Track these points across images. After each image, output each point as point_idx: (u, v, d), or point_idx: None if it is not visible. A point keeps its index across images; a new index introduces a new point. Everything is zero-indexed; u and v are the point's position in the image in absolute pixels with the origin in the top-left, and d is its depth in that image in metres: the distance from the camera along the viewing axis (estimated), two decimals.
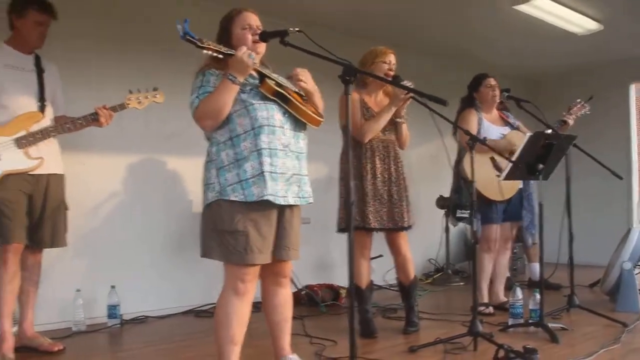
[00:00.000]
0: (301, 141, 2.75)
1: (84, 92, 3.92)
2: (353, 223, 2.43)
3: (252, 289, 2.65)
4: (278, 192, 2.59)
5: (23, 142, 3.23)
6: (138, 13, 4.53)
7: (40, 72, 3.40)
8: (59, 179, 3.47)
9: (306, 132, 2.80)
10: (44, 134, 3.29)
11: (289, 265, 2.85)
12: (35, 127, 3.29)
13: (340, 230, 3.84)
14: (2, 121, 3.22)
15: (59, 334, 3.84)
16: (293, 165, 2.68)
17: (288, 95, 2.64)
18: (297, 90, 2.77)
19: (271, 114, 2.61)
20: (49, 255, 3.59)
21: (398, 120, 3.79)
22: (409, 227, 3.82)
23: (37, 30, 3.33)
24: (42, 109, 3.36)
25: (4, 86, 3.24)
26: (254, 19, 2.74)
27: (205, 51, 2.49)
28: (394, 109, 3.68)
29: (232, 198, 2.55)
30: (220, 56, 2.55)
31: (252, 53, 2.57)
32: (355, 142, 3.71)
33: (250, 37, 2.69)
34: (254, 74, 2.67)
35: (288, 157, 2.65)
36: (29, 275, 3.44)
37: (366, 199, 3.68)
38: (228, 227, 2.56)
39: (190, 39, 2.41)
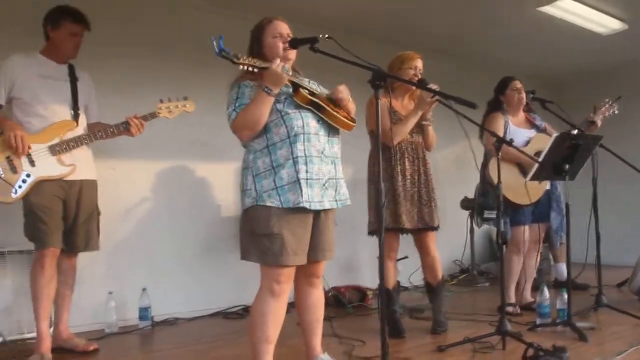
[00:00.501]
0: (335, 146, 2.82)
1: (114, 100, 4.00)
2: (384, 225, 2.48)
3: (287, 290, 2.72)
4: (314, 197, 2.65)
5: (57, 150, 3.32)
6: (166, 21, 4.62)
7: (74, 81, 3.49)
8: (91, 184, 3.56)
9: (339, 137, 2.86)
10: (77, 142, 3.37)
11: (322, 266, 2.91)
12: (68, 135, 3.37)
13: (371, 232, 3.87)
14: (36, 129, 3.30)
15: (92, 335, 3.92)
16: (329, 170, 2.74)
17: (321, 103, 2.70)
18: (327, 94, 2.83)
19: (306, 122, 2.68)
20: (82, 259, 3.67)
21: (424, 123, 3.83)
22: (438, 227, 3.85)
23: (71, 41, 3.42)
24: (75, 117, 3.45)
25: (39, 96, 3.33)
26: (284, 27, 2.81)
27: (241, 67, 2.56)
28: (420, 113, 3.72)
29: (268, 204, 2.62)
30: (256, 70, 2.61)
31: (285, 65, 2.64)
32: (383, 145, 3.74)
33: (281, 45, 2.75)
34: (288, 83, 2.73)
35: (324, 162, 2.71)
36: (65, 279, 3.52)
37: (398, 200, 3.72)
38: (264, 230, 2.63)
39: (225, 55, 2.48)
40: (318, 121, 2.72)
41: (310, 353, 2.98)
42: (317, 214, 2.75)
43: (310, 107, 2.69)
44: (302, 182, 2.62)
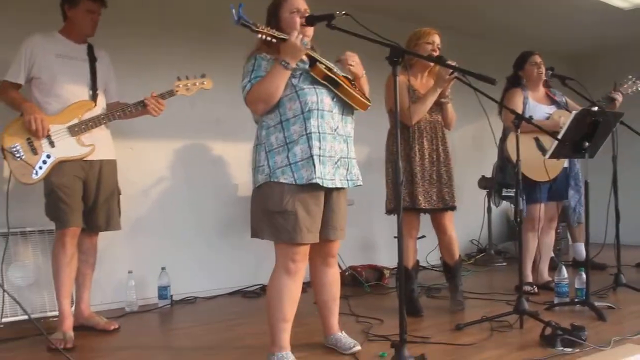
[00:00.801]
0: (349, 125, 2.80)
1: (131, 79, 4.02)
2: (402, 204, 2.48)
3: (302, 268, 2.73)
4: (326, 175, 2.65)
5: (76, 130, 3.34)
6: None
7: (92, 60, 3.49)
8: (111, 164, 3.58)
9: (354, 116, 2.84)
10: (95, 122, 3.38)
11: (336, 245, 2.93)
12: (87, 115, 3.38)
13: (389, 212, 3.87)
14: (55, 109, 3.32)
15: (113, 313, 3.97)
16: (341, 149, 2.73)
17: (338, 80, 2.68)
18: (345, 74, 2.81)
19: (320, 98, 2.66)
20: (102, 238, 3.70)
21: (443, 100, 3.78)
22: (455, 207, 3.84)
23: (88, 18, 3.42)
24: (94, 97, 3.45)
25: (57, 76, 3.34)
26: (301, 3, 2.78)
27: (259, 35, 2.54)
28: (439, 90, 3.68)
29: (282, 180, 2.62)
30: (274, 40, 2.59)
31: (304, 38, 2.62)
32: (402, 124, 3.71)
33: (298, 21, 2.72)
34: (305, 58, 2.71)
35: (336, 140, 2.70)
36: (86, 258, 3.56)
37: (415, 180, 3.70)
38: (277, 207, 2.63)
39: (245, 22, 2.46)
40: (333, 98, 2.71)
41: (328, 332, 3.01)
42: (329, 192, 2.75)
43: (326, 83, 2.67)
44: (315, 158, 2.61)
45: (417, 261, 3.96)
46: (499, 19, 6.11)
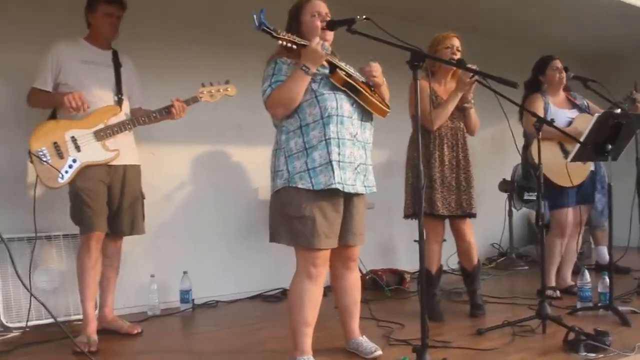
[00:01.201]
0: (367, 131, 2.81)
1: (153, 84, 4.05)
2: (422, 208, 2.48)
3: (323, 273, 2.74)
4: (347, 180, 2.66)
5: (101, 135, 3.38)
6: (205, 4, 4.64)
7: (117, 66, 3.54)
8: (135, 169, 3.62)
9: (372, 122, 2.85)
10: (121, 127, 3.43)
11: (357, 250, 2.94)
12: (112, 120, 3.43)
13: (407, 216, 3.87)
14: (81, 114, 3.35)
15: (135, 317, 4.01)
16: (360, 155, 2.74)
17: (358, 86, 2.68)
18: (364, 80, 2.82)
19: (340, 104, 2.67)
20: (125, 242, 3.74)
21: (466, 105, 3.77)
22: (475, 214, 3.82)
23: (107, 21, 3.46)
24: (119, 102, 3.50)
25: (83, 81, 3.38)
26: (322, 7, 2.79)
27: (280, 42, 2.56)
28: (460, 95, 3.67)
29: (300, 186, 2.63)
30: (294, 47, 2.61)
31: (325, 43, 2.63)
32: (423, 130, 3.70)
33: (319, 25, 2.74)
34: (325, 63, 2.73)
35: (356, 146, 2.71)
36: (110, 262, 3.61)
37: (434, 186, 3.70)
38: (296, 212, 2.64)
39: (266, 29, 2.48)
40: (352, 104, 2.72)
41: (349, 336, 3.01)
42: (348, 197, 2.76)
43: (345, 89, 2.68)
44: (335, 164, 2.62)
45: (441, 266, 3.94)
46: (517, 19, 6.04)
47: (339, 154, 2.64)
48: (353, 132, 2.71)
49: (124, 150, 3.48)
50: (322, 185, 2.62)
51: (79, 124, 3.34)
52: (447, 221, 3.89)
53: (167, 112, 3.50)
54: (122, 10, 3.52)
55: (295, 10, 2.84)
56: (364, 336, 3.05)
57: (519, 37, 6.51)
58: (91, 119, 3.38)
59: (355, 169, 2.72)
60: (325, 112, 2.65)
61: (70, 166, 3.30)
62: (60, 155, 3.29)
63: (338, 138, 2.65)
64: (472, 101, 3.80)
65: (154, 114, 3.51)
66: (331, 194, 2.67)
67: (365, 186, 2.80)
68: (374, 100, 2.74)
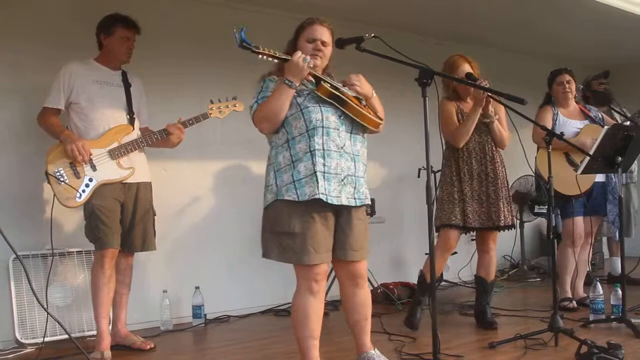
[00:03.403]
0: (358, 143, 2.80)
1: (161, 101, 4.10)
2: (433, 223, 2.50)
3: (324, 286, 2.79)
4: (331, 192, 2.65)
5: (116, 154, 3.44)
6: (213, 20, 4.68)
7: (127, 86, 3.61)
8: (147, 186, 3.67)
9: (364, 136, 2.84)
10: (134, 145, 3.49)
11: (362, 266, 2.90)
12: (126, 139, 3.49)
13: (437, 228, 3.87)
14: (94, 133, 3.44)
15: (148, 332, 4.03)
16: (348, 167, 2.72)
17: (344, 97, 2.69)
18: (355, 95, 2.82)
19: (326, 116, 2.68)
20: (137, 258, 3.79)
21: (485, 120, 3.80)
22: (507, 226, 3.86)
23: (124, 46, 3.54)
24: (131, 121, 3.57)
25: (95, 101, 3.45)
26: (319, 33, 2.80)
27: (260, 56, 2.61)
28: (479, 110, 3.70)
29: (287, 198, 2.65)
30: (276, 61, 2.67)
31: (306, 57, 2.66)
32: (452, 146, 3.84)
33: (310, 46, 2.77)
34: (311, 78, 2.75)
35: (343, 158, 2.70)
36: (122, 278, 3.64)
37: (465, 199, 3.77)
38: (284, 228, 2.67)
39: (246, 45, 2.55)
40: (340, 116, 2.72)
41: (360, 350, 2.99)
42: (339, 211, 2.75)
43: (332, 101, 2.69)
44: (319, 174, 2.62)
45: (440, 276, 3.96)
46: (535, 31, 6.04)
47: (324, 165, 2.64)
48: (340, 143, 2.70)
49: (137, 167, 3.54)
50: (306, 196, 2.62)
51: (93, 143, 3.40)
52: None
53: (166, 134, 3.57)
54: (138, 33, 3.60)
55: (296, 31, 2.87)
56: (376, 349, 3.02)
57: (539, 50, 6.53)
58: (105, 138, 3.44)
59: (342, 180, 2.70)
60: (311, 124, 2.66)
61: (87, 185, 3.36)
62: (77, 175, 3.35)
63: (323, 149, 2.66)
64: (494, 115, 3.82)
65: (156, 136, 3.58)
66: (319, 207, 2.66)
67: (355, 198, 2.76)
68: (362, 111, 2.73)
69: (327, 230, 2.72)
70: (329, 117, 2.69)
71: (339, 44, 2.74)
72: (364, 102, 2.84)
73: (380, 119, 2.84)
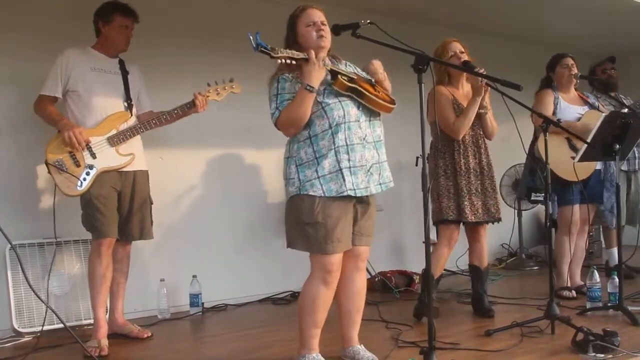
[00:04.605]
0: (377, 129, 2.83)
1: (160, 88, 4.07)
2: (429, 215, 2.51)
3: (337, 278, 2.78)
4: (359, 184, 2.69)
5: (115, 141, 3.44)
6: (210, 8, 4.66)
7: (125, 74, 3.59)
8: (144, 174, 3.65)
9: (380, 118, 2.86)
10: (133, 132, 3.48)
11: (367, 250, 2.94)
12: (124, 126, 3.48)
13: (434, 223, 3.89)
14: (92, 121, 3.42)
15: (145, 321, 4.02)
16: (372, 156, 2.75)
17: (360, 89, 2.70)
18: (367, 78, 2.83)
19: (347, 111, 2.70)
20: (134, 247, 3.78)
21: (481, 111, 3.76)
22: (499, 219, 3.86)
23: (123, 34, 3.52)
24: (129, 108, 3.55)
25: (93, 88, 3.44)
26: (317, 15, 2.81)
27: (279, 60, 2.60)
28: (479, 100, 3.66)
29: (311, 193, 2.67)
30: (294, 62, 2.64)
31: (325, 59, 2.68)
32: (448, 138, 3.77)
33: (314, 34, 2.76)
34: (327, 71, 2.74)
35: (366, 148, 2.73)
36: (119, 267, 3.63)
37: (462, 194, 3.73)
38: (308, 219, 2.68)
39: (264, 49, 2.53)
40: (358, 107, 2.74)
41: (347, 343, 2.97)
42: (359, 199, 2.77)
43: (349, 94, 2.70)
44: (345, 171, 2.65)
45: (442, 273, 3.97)
46: (531, 18, 5.99)
47: (349, 160, 2.68)
48: (362, 135, 2.73)
49: (135, 155, 3.52)
50: (333, 192, 2.66)
51: (92, 132, 3.39)
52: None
53: (189, 106, 3.54)
54: (136, 22, 3.58)
55: (291, 21, 2.86)
56: (361, 345, 3.00)
57: (532, 36, 6.48)
58: (104, 126, 3.44)
59: (368, 170, 2.74)
60: (334, 122, 2.68)
61: (88, 173, 3.36)
62: (77, 163, 3.35)
63: (347, 145, 2.68)
64: (488, 107, 3.80)
65: (176, 111, 3.55)
66: (343, 198, 2.70)
67: (380, 184, 2.81)
68: (378, 100, 2.76)
69: (348, 220, 2.75)
70: (350, 112, 2.71)
71: (335, 30, 2.73)
72: (374, 85, 2.85)
73: (393, 103, 2.85)
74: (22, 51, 3.85)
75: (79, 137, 3.29)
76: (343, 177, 2.65)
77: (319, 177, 2.66)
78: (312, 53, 2.65)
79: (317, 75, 2.64)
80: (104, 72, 3.51)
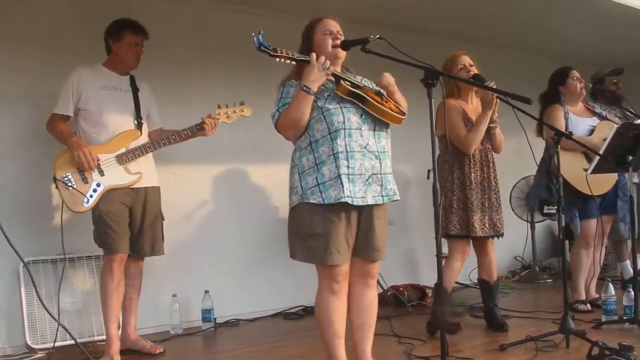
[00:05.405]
0: (383, 140, 2.80)
1: (170, 106, 4.11)
2: (441, 230, 2.49)
3: (345, 286, 2.77)
4: (356, 193, 2.66)
5: (124, 159, 3.46)
6: (223, 26, 4.70)
7: (135, 91, 3.62)
8: (155, 191, 3.68)
9: (388, 131, 2.84)
10: (142, 150, 3.50)
11: (376, 266, 2.90)
12: (133, 144, 3.51)
13: (444, 236, 3.84)
14: (102, 139, 3.45)
15: (158, 337, 4.02)
16: (372, 166, 2.72)
17: (364, 95, 2.69)
18: (377, 90, 2.82)
19: (347, 117, 2.68)
20: (146, 263, 3.79)
21: (491, 125, 3.74)
22: (503, 234, 3.85)
23: (133, 51, 3.56)
24: (139, 126, 3.58)
25: (103, 106, 3.47)
26: (334, 25, 2.83)
27: (277, 59, 2.61)
28: (489, 114, 3.64)
29: (312, 200, 2.66)
30: (294, 63, 2.67)
31: (326, 62, 2.66)
32: (458, 151, 3.76)
33: (330, 42, 2.77)
34: (332, 78, 2.74)
35: (366, 157, 2.71)
36: (132, 283, 3.65)
37: (471, 208, 3.72)
38: (308, 229, 2.68)
39: (264, 49, 2.55)
40: (361, 115, 2.72)
41: (360, 357, 2.94)
42: (362, 211, 2.75)
43: (351, 99, 2.69)
44: (344, 177, 2.63)
45: (455, 286, 3.94)
46: (534, 29, 5.98)
47: (348, 167, 2.66)
48: (363, 143, 2.71)
49: (145, 172, 3.55)
50: (332, 199, 2.64)
51: (101, 149, 3.42)
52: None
53: (199, 128, 3.57)
54: (146, 39, 3.62)
55: (307, 29, 2.87)
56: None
57: (537, 47, 6.48)
58: (113, 144, 3.46)
59: (367, 180, 2.71)
60: (332, 127, 2.67)
61: (95, 190, 3.38)
62: (84, 180, 3.37)
63: (347, 151, 2.67)
64: (498, 120, 3.78)
65: (185, 132, 3.57)
66: (343, 208, 2.67)
67: (382, 195, 2.76)
68: (384, 108, 2.73)
69: (350, 231, 2.73)
70: (351, 118, 2.70)
71: (344, 45, 2.73)
72: (384, 97, 2.83)
73: (403, 114, 2.83)
74: (33, 68, 3.89)
75: (88, 157, 3.32)
76: (342, 183, 2.63)
77: (318, 185, 2.66)
78: (314, 55, 2.67)
79: (316, 78, 2.65)
80: (115, 89, 3.55)
